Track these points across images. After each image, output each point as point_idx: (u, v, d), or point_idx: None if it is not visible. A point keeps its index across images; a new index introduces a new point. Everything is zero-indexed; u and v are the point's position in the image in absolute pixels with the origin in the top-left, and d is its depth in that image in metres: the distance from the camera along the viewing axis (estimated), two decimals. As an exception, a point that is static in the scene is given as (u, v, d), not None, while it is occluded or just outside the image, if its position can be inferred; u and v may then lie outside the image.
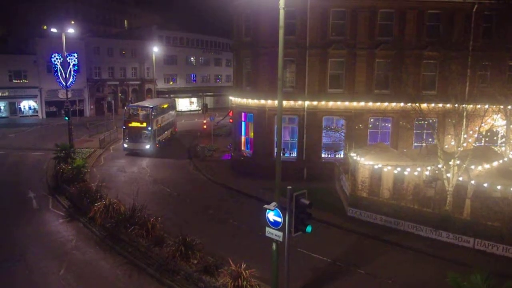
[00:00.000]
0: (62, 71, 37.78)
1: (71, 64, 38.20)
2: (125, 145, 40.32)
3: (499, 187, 21.78)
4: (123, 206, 21.57)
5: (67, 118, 37.05)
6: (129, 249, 19.10)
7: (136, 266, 17.98)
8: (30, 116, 63.93)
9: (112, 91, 71.80)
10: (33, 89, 62.17)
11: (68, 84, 37.79)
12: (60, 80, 38.35)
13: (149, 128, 39.77)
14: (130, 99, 68.81)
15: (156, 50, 72.39)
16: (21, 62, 61.30)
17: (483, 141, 29.00)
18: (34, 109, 64.46)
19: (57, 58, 37.90)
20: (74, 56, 38.52)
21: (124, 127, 40.37)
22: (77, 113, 61.82)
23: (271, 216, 14.00)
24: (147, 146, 39.90)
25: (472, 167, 22.81)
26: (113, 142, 45.97)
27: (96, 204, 21.92)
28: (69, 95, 39.07)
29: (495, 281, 11.72)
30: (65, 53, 37.01)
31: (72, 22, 57.27)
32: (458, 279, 11.86)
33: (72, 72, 38.41)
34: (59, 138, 36.13)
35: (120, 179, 31.59)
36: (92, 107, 69.09)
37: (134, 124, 40.24)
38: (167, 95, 78.08)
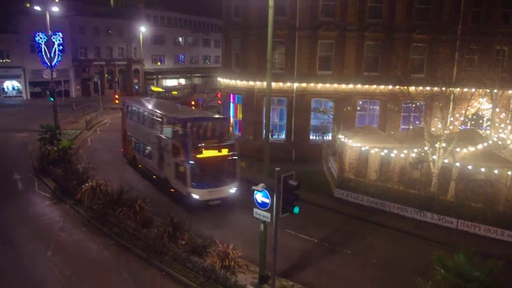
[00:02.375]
0: (47, 51, 37.03)
1: (56, 43, 37.47)
2: (195, 195, 21.57)
3: (483, 169, 22.12)
4: (110, 188, 21.45)
5: (52, 99, 36.47)
6: (117, 231, 19.09)
7: (124, 247, 18.00)
8: (14, 96, 62.75)
9: (99, 71, 70.64)
10: (16, 69, 60.82)
11: (53, 64, 37.10)
12: (44, 60, 37.64)
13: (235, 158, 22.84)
14: (117, 80, 67.85)
15: (143, 29, 71.24)
16: (3, 41, 59.75)
17: (469, 124, 29.32)
18: (18, 89, 63.26)
19: (41, 37, 37.15)
20: (59, 35, 37.76)
21: (190, 161, 21.34)
22: (63, 93, 60.77)
23: (259, 197, 14.06)
24: (232, 190, 22.67)
25: (458, 149, 23.08)
26: (100, 124, 45.46)
27: (83, 185, 21.74)
28: (54, 76, 38.31)
29: (478, 260, 11.97)
30: (49, 32, 36.23)
31: (56, 0, 55.93)
32: (442, 258, 12.09)
33: (57, 51, 37.71)
34: (44, 119, 35.53)
35: (108, 160, 31.31)
36: (78, 87, 68.01)
37: (209, 154, 21.94)
38: (154, 76, 77.31)
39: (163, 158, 24.02)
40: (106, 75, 71.68)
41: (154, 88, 59.93)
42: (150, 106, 28.82)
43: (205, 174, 21.80)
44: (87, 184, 21.71)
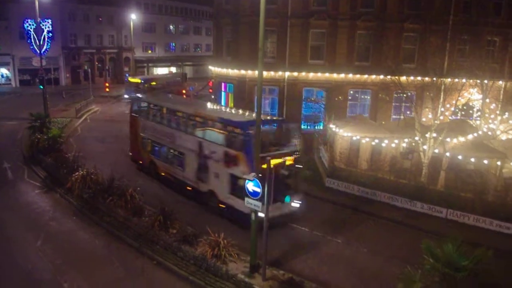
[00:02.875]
0: (36, 38, 36.55)
1: (45, 30, 37.00)
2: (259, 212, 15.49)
3: (472, 159, 22.31)
4: (101, 177, 21.34)
5: (41, 87, 36.02)
6: (108, 220, 19.00)
7: (115, 236, 17.93)
8: (3, 84, 61.92)
9: (89, 59, 69.84)
10: (5, 56, 59.91)
11: (42, 52, 36.58)
12: (33, 47, 37.20)
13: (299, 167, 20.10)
14: (107, 67, 67.13)
15: (134, 17, 70.27)
16: (-9, 28, 58.88)
17: (459, 115, 29.51)
18: (7, 77, 62.44)
19: (30, 24, 36.70)
20: (48, 22, 37.29)
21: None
22: (52, 81, 60.06)
23: (250, 186, 14.10)
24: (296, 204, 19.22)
25: (448, 140, 23.26)
26: (90, 112, 45.06)
27: (74, 174, 21.55)
28: (44, 63, 37.80)
29: (466, 249, 12.14)
30: (39, 19, 35.63)
31: (45, -14, 54.95)
32: (431, 247, 12.24)
33: (46, 39, 37.27)
34: (34, 107, 35.11)
35: (98, 149, 31.11)
36: (68, 75, 67.23)
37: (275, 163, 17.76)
38: (145, 64, 76.68)
39: (207, 168, 20.45)
40: (97, 63, 70.94)
41: (131, 79, 55.29)
42: (181, 105, 25.22)
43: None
44: (77, 173, 21.49)
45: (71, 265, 15.69)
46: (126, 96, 51.55)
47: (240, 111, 22.53)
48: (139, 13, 73.01)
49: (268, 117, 24.31)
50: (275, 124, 21.87)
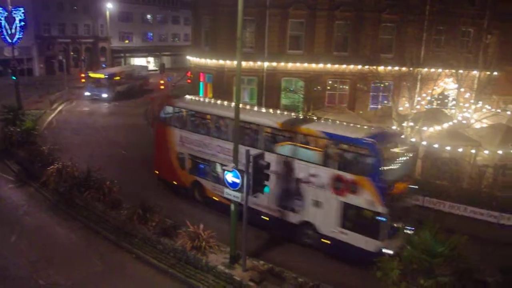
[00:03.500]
0: (7, 27, 35.33)
1: (17, 19, 35.68)
2: (387, 250, 15.10)
3: (448, 148, 22.72)
4: (77, 170, 20.89)
5: (14, 78, 35.04)
6: (85, 213, 18.72)
7: (92, 230, 17.69)
8: (-27, 75, 60.01)
9: (63, 49, 67.98)
10: (-25, 46, 58.04)
11: (14, 41, 35.42)
12: (5, 37, 35.90)
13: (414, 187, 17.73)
14: (83, 58, 65.66)
15: (110, 6, 68.87)
16: (-40, 16, 56.76)
17: (435, 104, 29.92)
18: (-22, 67, 60.50)
19: (0, 13, 35.36)
20: (20, 10, 36.01)
21: (385, 205, 15.19)
22: (26, 72, 58.29)
23: (230, 177, 14.02)
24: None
25: (424, 128, 23.61)
26: (66, 103, 44.09)
27: (49, 168, 21.05)
28: (16, 53, 36.78)
29: (442, 236, 12.37)
30: (10, 7, 34.53)
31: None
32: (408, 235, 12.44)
33: (18, 28, 35.96)
34: (6, 99, 34.10)
35: (74, 142, 30.52)
36: (41, 66, 65.43)
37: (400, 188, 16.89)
38: (122, 54, 75.38)
39: (299, 194, 16.91)
40: (72, 53, 69.30)
41: (93, 74, 48.56)
42: (254, 115, 19.48)
43: (395, 218, 15.27)
44: (52, 166, 21.00)
45: (47, 261, 15.40)
46: (87, 93, 46.87)
47: (345, 123, 19.06)
48: (116, 2, 71.45)
49: (386, 131, 18.86)
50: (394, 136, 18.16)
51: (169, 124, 21.69)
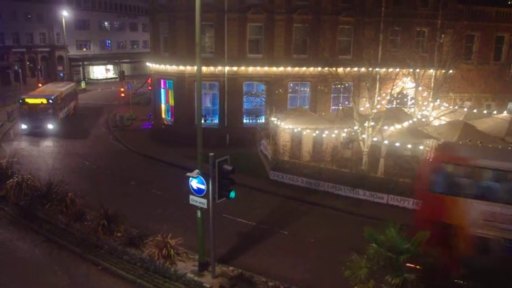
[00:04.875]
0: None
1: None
2: None
3: (409, 145, 23.28)
4: (38, 182, 20.20)
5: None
6: (48, 227, 18.12)
7: (56, 243, 17.10)
8: None
9: (19, 59, 65.58)
10: None
11: (-38, 52, 33.89)
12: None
13: None
14: (39, 67, 63.44)
15: (65, 14, 66.95)
16: None
17: (394, 103, 30.71)
18: None
19: None
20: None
21: None
22: (-22, 83, 55.96)
23: (195, 183, 13.82)
24: None
25: (385, 127, 24.12)
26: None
27: (8, 181, 20.23)
28: (-35, 64, 35.02)
29: (407, 233, 12.61)
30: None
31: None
32: (373, 233, 12.59)
33: (-33, 38, 34.46)
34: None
35: (34, 154, 29.44)
36: (-5, 77, 62.86)
37: None
38: (80, 63, 73.53)
39: None
40: (28, 63, 66.79)
41: (29, 100, 34.62)
42: None
43: None
44: (12, 180, 20.20)
45: (10, 278, 14.77)
46: (24, 127, 34.47)
47: None
48: (71, 10, 69.50)
49: None
50: None
51: (451, 192, 14.22)
